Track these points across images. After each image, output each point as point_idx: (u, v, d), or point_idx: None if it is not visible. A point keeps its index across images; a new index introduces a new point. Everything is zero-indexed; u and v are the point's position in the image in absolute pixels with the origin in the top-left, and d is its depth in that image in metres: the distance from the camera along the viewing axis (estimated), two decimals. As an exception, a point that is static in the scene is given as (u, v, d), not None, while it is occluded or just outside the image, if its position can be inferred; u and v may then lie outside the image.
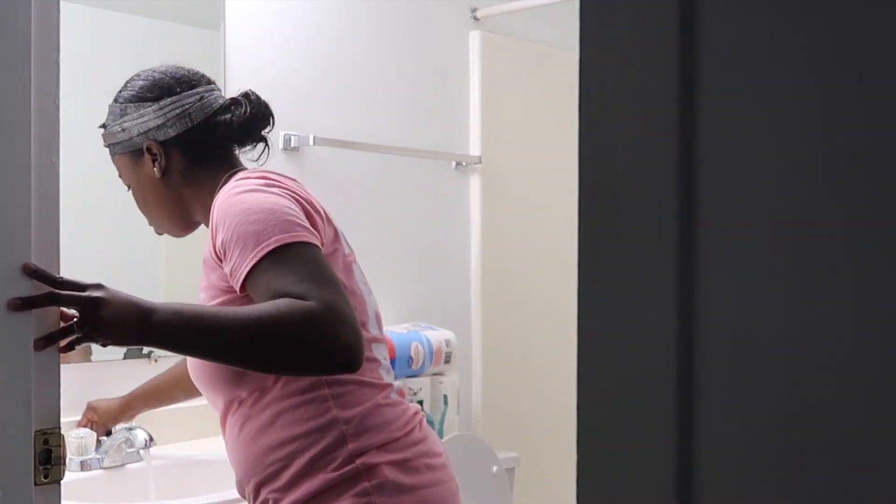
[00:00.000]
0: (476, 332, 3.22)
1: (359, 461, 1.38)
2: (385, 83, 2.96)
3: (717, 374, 0.51)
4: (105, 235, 2.39)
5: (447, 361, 2.83)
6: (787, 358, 0.49)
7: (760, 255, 0.50)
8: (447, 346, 2.83)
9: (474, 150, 3.23)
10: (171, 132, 1.53)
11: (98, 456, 2.11)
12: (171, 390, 1.92)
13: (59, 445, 1.15)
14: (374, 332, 1.49)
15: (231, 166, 1.55)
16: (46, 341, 1.16)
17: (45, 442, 1.13)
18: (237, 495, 1.91)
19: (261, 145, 1.60)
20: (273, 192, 1.39)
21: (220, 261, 1.39)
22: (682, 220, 0.52)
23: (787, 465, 0.49)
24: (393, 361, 2.41)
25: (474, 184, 3.23)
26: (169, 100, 1.55)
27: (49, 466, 1.13)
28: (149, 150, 1.53)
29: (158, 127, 1.53)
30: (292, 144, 2.69)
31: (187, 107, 1.54)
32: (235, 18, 2.61)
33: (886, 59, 0.46)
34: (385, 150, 2.90)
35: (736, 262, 0.51)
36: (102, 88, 2.38)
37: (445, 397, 2.85)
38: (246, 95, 1.58)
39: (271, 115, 1.60)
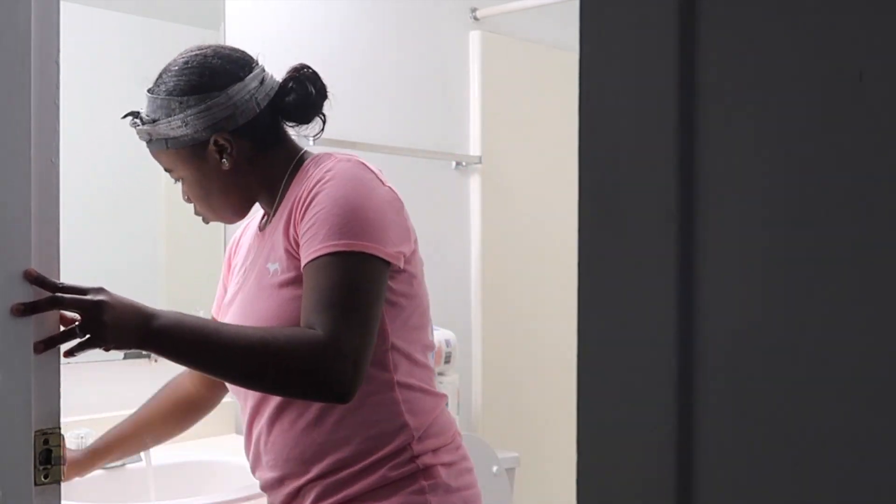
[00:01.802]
0: (476, 332, 3.22)
1: (419, 461, 1.41)
2: (385, 83, 2.96)
3: (717, 374, 0.51)
4: (105, 236, 2.39)
5: (447, 361, 2.83)
6: (786, 358, 0.49)
7: (760, 256, 0.50)
8: (447, 346, 2.83)
9: (474, 150, 3.23)
10: (241, 121, 1.45)
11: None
12: (138, 437, 1.70)
13: (59, 445, 1.15)
14: (431, 338, 1.51)
15: (295, 148, 1.52)
16: (47, 344, 1.16)
17: (45, 442, 1.13)
18: (237, 495, 1.91)
19: (317, 121, 1.54)
20: (373, 186, 1.38)
21: (299, 227, 1.37)
22: (682, 220, 0.52)
23: (787, 465, 0.49)
24: None
25: (474, 184, 3.23)
26: (235, 88, 1.45)
27: (49, 466, 1.13)
28: (216, 143, 1.44)
29: (228, 118, 1.44)
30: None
31: (252, 91, 1.47)
32: (235, 18, 2.61)
33: (886, 59, 0.46)
34: (385, 150, 2.90)
35: (736, 262, 0.51)
36: (102, 88, 2.39)
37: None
38: (297, 70, 1.53)
39: (325, 87, 1.54)
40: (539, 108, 3.37)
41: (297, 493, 1.44)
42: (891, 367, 0.46)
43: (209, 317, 1.64)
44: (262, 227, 1.56)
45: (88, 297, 1.22)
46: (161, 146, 1.47)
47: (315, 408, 1.41)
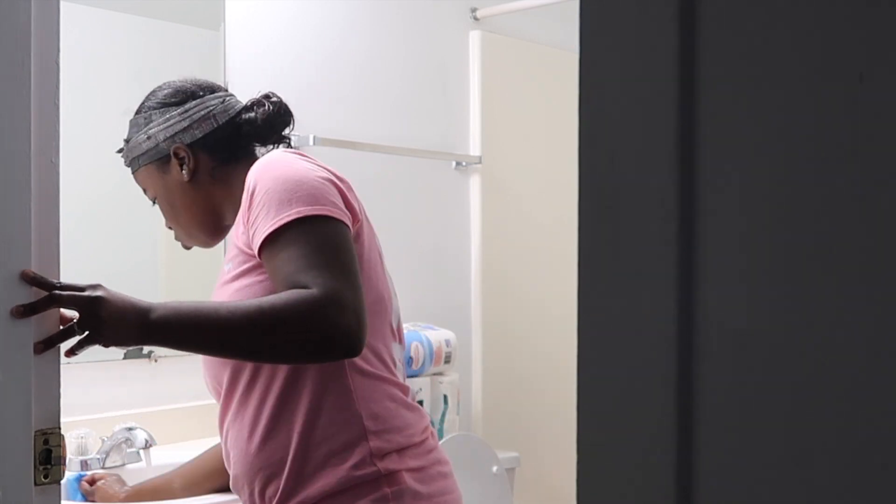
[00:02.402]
0: (476, 332, 3.22)
1: (381, 465, 1.37)
2: (385, 83, 2.96)
3: (717, 374, 0.51)
4: (105, 236, 2.39)
5: (447, 361, 2.83)
6: (787, 358, 0.49)
7: (760, 256, 0.50)
8: (447, 346, 2.83)
9: (474, 150, 3.23)
10: (198, 133, 1.53)
11: (98, 456, 2.11)
12: (171, 490, 1.76)
13: (59, 445, 1.15)
14: (395, 327, 1.50)
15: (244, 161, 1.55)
16: (46, 345, 1.16)
17: (45, 442, 1.13)
18: (237, 496, 1.91)
19: (282, 146, 1.60)
20: (308, 163, 1.41)
21: (247, 224, 1.40)
22: (682, 220, 0.52)
23: (787, 465, 0.49)
24: None
25: (474, 184, 3.23)
26: (193, 103, 1.55)
27: (49, 466, 1.13)
28: (176, 153, 1.53)
29: (185, 129, 1.53)
30: (292, 144, 2.69)
31: (211, 108, 1.55)
32: (235, 18, 2.61)
33: (886, 59, 0.46)
34: (385, 150, 2.90)
35: (736, 262, 0.51)
36: (102, 88, 2.39)
37: (445, 397, 2.85)
38: (266, 97, 1.60)
39: (291, 114, 1.62)
40: (539, 108, 3.37)
41: (262, 492, 1.42)
42: (892, 366, 0.46)
43: None
44: None
45: (85, 293, 1.23)
46: (135, 166, 1.58)
47: (270, 405, 1.40)
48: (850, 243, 0.48)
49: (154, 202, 1.60)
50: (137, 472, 2.04)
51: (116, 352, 2.37)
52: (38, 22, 1.13)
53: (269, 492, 1.41)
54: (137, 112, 1.58)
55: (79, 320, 1.23)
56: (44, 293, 1.17)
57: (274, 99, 1.59)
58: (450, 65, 3.19)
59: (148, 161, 1.56)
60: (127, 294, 1.29)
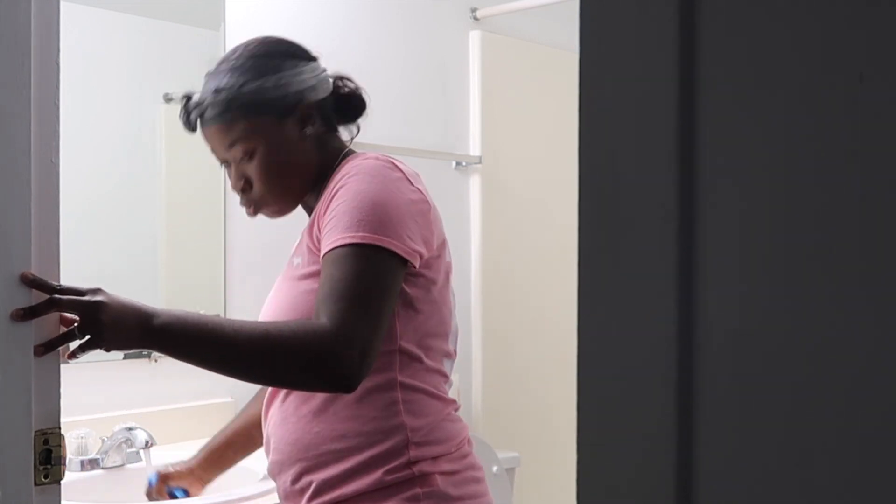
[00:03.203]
0: (476, 332, 3.22)
1: (415, 468, 1.38)
2: (385, 83, 2.96)
3: (717, 374, 0.51)
4: (105, 236, 2.39)
5: (447, 361, 2.83)
6: (787, 358, 0.49)
7: (760, 256, 0.50)
8: (447, 346, 2.83)
9: (474, 150, 3.23)
10: (321, 95, 1.47)
11: (98, 456, 2.11)
12: (247, 435, 1.71)
13: (59, 445, 1.15)
14: (451, 346, 1.49)
15: (343, 143, 1.53)
16: (46, 347, 1.16)
17: (45, 442, 1.13)
18: (237, 495, 1.91)
19: (353, 128, 1.57)
20: (402, 183, 1.38)
21: (322, 224, 1.37)
22: (682, 220, 0.52)
23: (787, 465, 0.49)
24: None
25: (474, 184, 3.23)
26: (315, 63, 1.49)
27: (49, 466, 1.13)
28: (304, 110, 1.45)
29: (313, 88, 1.46)
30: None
31: (324, 75, 1.50)
32: (235, 18, 2.61)
33: (886, 59, 0.46)
34: (385, 150, 2.89)
35: (736, 262, 0.51)
36: (102, 89, 2.39)
37: (445, 397, 2.84)
38: (340, 77, 1.54)
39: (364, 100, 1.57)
40: (539, 108, 3.37)
41: (296, 480, 1.43)
42: (892, 366, 0.46)
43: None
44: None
45: (86, 297, 1.22)
46: (240, 115, 1.44)
47: (319, 398, 1.40)
48: (850, 243, 0.48)
49: (226, 164, 1.49)
50: (138, 472, 2.04)
51: (116, 352, 2.37)
52: (38, 22, 1.13)
53: (304, 482, 1.42)
54: (256, 56, 1.46)
55: (79, 324, 1.22)
56: (44, 296, 1.16)
57: (348, 80, 1.55)
58: (450, 65, 3.19)
59: (269, 111, 1.44)
60: (129, 298, 1.28)
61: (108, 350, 1.26)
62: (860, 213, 0.47)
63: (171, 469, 1.69)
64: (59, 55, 1.16)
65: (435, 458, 1.40)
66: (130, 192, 2.45)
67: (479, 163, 3.21)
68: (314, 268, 1.38)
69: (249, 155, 1.45)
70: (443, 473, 1.40)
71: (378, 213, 1.32)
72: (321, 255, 1.34)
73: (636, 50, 0.54)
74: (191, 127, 1.52)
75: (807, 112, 0.49)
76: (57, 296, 1.17)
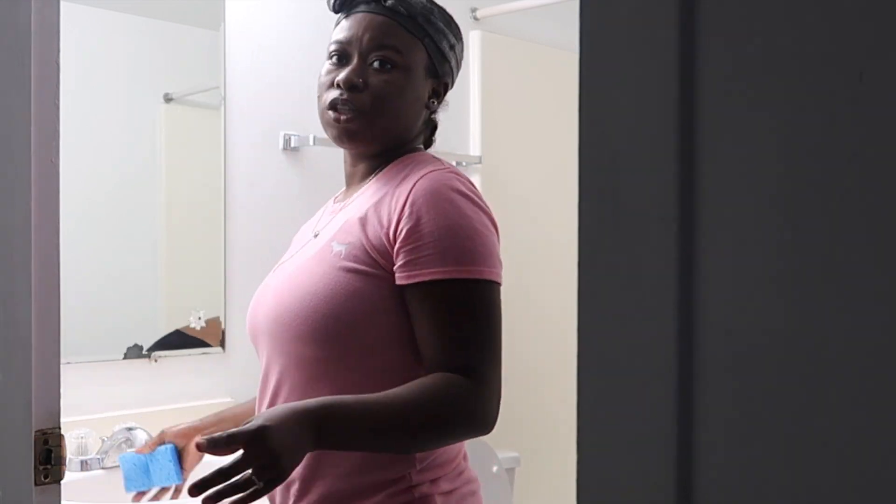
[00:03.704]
0: (476, 332, 3.22)
1: (415, 492, 1.35)
2: (385, 83, 2.96)
3: (717, 374, 0.51)
4: (105, 236, 2.39)
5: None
6: (786, 357, 0.49)
7: (760, 255, 0.50)
8: (447, 346, 2.82)
9: (474, 150, 3.23)
10: (452, 78, 1.48)
11: (98, 456, 2.11)
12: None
13: (59, 445, 1.15)
14: None
15: (419, 141, 1.50)
16: (215, 499, 1.14)
17: (45, 442, 1.13)
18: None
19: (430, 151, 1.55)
20: (487, 211, 1.35)
21: (391, 239, 1.30)
22: (681, 220, 0.52)
23: (787, 465, 0.49)
24: None
25: (474, 184, 3.23)
26: (461, 51, 1.49)
27: (49, 466, 1.13)
28: (445, 86, 1.46)
29: (453, 78, 1.48)
30: (292, 144, 2.69)
31: (459, 68, 1.50)
32: (235, 18, 2.61)
33: (886, 59, 0.46)
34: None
35: (736, 262, 0.51)
36: (102, 88, 2.39)
37: (445, 397, 2.84)
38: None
39: None
40: (539, 108, 3.37)
41: (289, 487, 1.39)
42: (892, 365, 0.46)
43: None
44: (337, 200, 1.50)
45: (256, 450, 1.14)
46: (419, 32, 1.39)
47: None
48: (851, 243, 0.48)
49: (344, 56, 1.40)
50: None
51: (116, 352, 2.37)
52: (38, 22, 1.13)
53: (297, 488, 1.37)
54: (448, 22, 1.45)
55: (255, 473, 1.14)
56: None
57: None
58: (450, 65, 3.19)
59: (434, 56, 1.42)
60: (283, 412, 1.17)
61: (289, 474, 1.19)
62: (861, 213, 0.47)
63: (175, 427, 1.64)
64: (59, 55, 1.16)
65: (434, 480, 1.38)
66: (130, 192, 2.45)
67: (479, 163, 3.21)
68: (362, 266, 1.31)
69: (390, 66, 1.38)
70: (442, 493, 1.38)
71: (479, 241, 1.29)
72: (411, 282, 1.28)
73: (636, 50, 0.54)
74: (341, 4, 1.43)
75: (807, 111, 0.49)
76: (229, 468, 1.12)
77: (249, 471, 1.14)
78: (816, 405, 0.49)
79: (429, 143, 1.53)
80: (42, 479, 1.13)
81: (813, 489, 0.49)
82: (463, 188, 1.32)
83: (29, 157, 1.13)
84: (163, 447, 1.62)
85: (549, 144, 3.35)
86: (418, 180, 1.32)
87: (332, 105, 1.39)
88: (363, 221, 1.34)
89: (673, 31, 0.53)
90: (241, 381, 2.54)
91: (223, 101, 2.58)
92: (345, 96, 1.38)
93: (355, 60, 1.38)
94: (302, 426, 1.17)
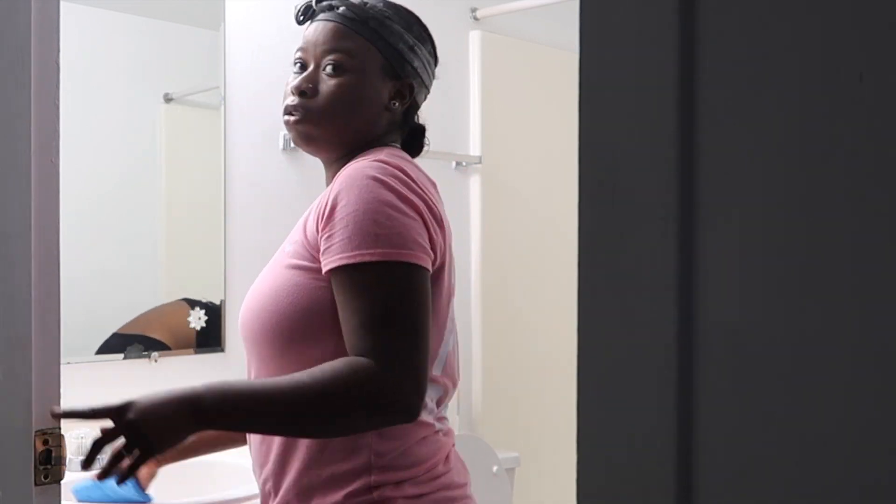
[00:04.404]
0: (476, 332, 3.22)
1: (376, 493, 1.33)
2: (385, 83, 2.96)
3: (717, 374, 0.51)
4: (105, 235, 2.39)
5: (447, 361, 2.83)
6: (787, 357, 0.49)
7: (761, 255, 0.50)
8: (447, 346, 2.82)
9: (474, 150, 3.23)
10: (421, 95, 1.48)
11: (98, 456, 2.11)
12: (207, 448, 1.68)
13: (59, 445, 1.15)
14: (435, 373, 1.41)
15: (392, 142, 1.48)
16: (104, 474, 1.20)
17: (45, 442, 1.13)
18: (237, 495, 1.91)
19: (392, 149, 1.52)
20: (401, 187, 1.32)
21: (318, 231, 1.32)
22: (682, 220, 0.52)
23: (787, 464, 0.49)
24: None
25: (474, 184, 3.23)
26: (434, 70, 1.51)
27: (49, 466, 1.13)
28: (410, 88, 1.45)
29: (422, 80, 1.47)
30: (292, 144, 2.68)
31: (432, 67, 1.50)
32: (235, 18, 2.61)
33: (886, 59, 0.46)
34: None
35: (736, 262, 0.51)
36: (102, 89, 2.39)
37: (445, 397, 2.84)
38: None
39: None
40: (539, 108, 3.37)
41: (265, 485, 1.40)
42: (891, 364, 0.46)
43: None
44: None
45: (120, 420, 1.22)
46: (367, 34, 1.41)
47: None
48: (851, 242, 0.48)
49: (302, 64, 1.44)
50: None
51: (116, 352, 2.37)
52: (38, 22, 1.13)
53: (269, 486, 1.39)
54: (409, 12, 1.47)
55: (126, 445, 1.22)
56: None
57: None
58: (450, 65, 3.18)
59: (389, 57, 1.42)
60: (165, 392, 1.24)
61: (165, 452, 1.25)
62: (861, 212, 0.47)
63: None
64: (59, 55, 1.16)
65: (399, 483, 1.34)
66: (130, 192, 2.45)
67: (479, 163, 3.21)
68: (303, 262, 1.34)
69: (339, 70, 1.40)
70: (407, 497, 1.34)
71: (392, 223, 1.28)
72: (330, 269, 1.29)
73: (636, 50, 0.54)
74: (303, 15, 1.48)
75: (806, 112, 0.49)
76: (100, 435, 1.21)
77: (122, 442, 1.22)
78: (817, 405, 0.49)
79: (413, 145, 1.53)
80: (42, 479, 1.13)
81: (813, 489, 0.49)
82: (379, 174, 1.31)
83: (29, 157, 1.13)
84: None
85: (549, 144, 3.35)
86: (343, 170, 1.35)
87: (287, 110, 1.45)
88: (305, 219, 1.38)
89: (673, 31, 0.53)
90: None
91: (223, 101, 2.58)
92: (295, 102, 1.43)
93: (311, 67, 1.43)
94: (175, 403, 1.22)
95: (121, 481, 1.24)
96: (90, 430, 2.15)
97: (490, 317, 3.24)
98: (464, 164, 3.20)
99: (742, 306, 0.51)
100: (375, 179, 1.31)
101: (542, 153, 3.37)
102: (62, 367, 1.18)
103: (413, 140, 1.54)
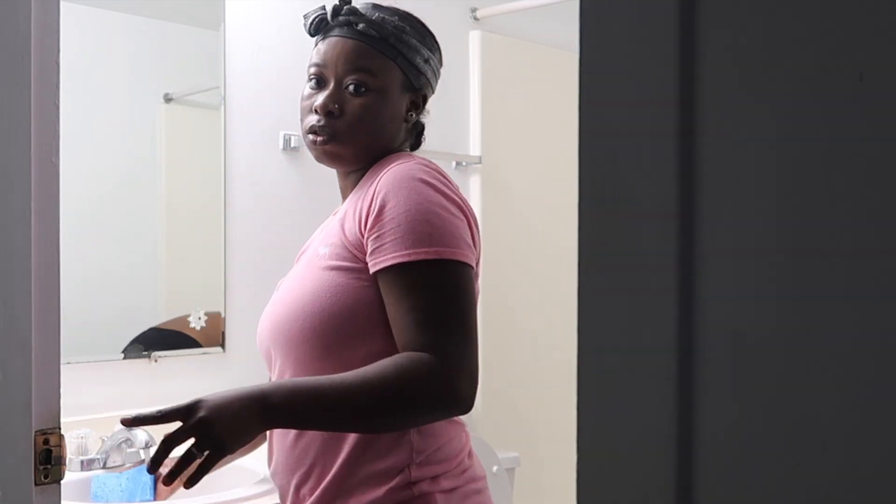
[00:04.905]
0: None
1: (415, 489, 1.35)
2: (385, 83, 2.96)
3: (717, 373, 0.51)
4: (105, 236, 2.39)
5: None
6: (786, 357, 0.49)
7: (760, 255, 0.50)
8: (447, 346, 2.82)
9: (474, 150, 3.23)
10: (430, 95, 1.51)
11: (98, 456, 2.11)
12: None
13: (59, 445, 1.15)
14: None
15: (404, 146, 1.52)
16: (170, 477, 1.21)
17: (45, 442, 1.13)
18: (237, 496, 1.91)
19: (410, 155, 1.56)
20: (445, 188, 1.36)
21: (363, 232, 1.34)
22: (682, 220, 0.52)
23: (787, 464, 0.49)
24: None
25: (474, 184, 3.23)
26: (440, 71, 1.53)
27: (49, 466, 1.13)
28: (424, 99, 1.49)
29: (432, 85, 1.51)
30: (292, 144, 2.69)
31: (439, 74, 1.54)
32: (235, 18, 2.61)
33: (886, 59, 0.46)
34: (385, 150, 2.90)
35: (736, 262, 0.51)
36: (102, 89, 2.39)
37: (445, 397, 2.84)
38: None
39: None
40: (539, 108, 3.37)
41: (298, 489, 1.41)
42: (891, 364, 0.46)
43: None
44: (334, 214, 1.55)
45: (191, 421, 1.22)
46: (390, 52, 1.44)
47: None
48: (851, 242, 0.48)
49: (321, 80, 1.45)
50: (138, 472, 2.03)
51: (116, 352, 2.37)
52: (38, 22, 1.13)
53: (303, 490, 1.41)
54: (421, 34, 1.48)
55: (196, 444, 1.23)
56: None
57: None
58: (450, 65, 3.18)
59: (409, 72, 1.45)
60: (232, 391, 1.25)
61: (234, 451, 1.25)
62: (861, 212, 0.47)
63: None
64: (59, 55, 1.16)
65: (435, 478, 1.38)
66: (130, 192, 2.45)
67: (479, 163, 3.21)
68: (345, 263, 1.35)
69: (363, 89, 1.42)
70: (443, 492, 1.38)
71: (443, 223, 1.31)
72: (381, 268, 1.31)
73: (636, 50, 0.54)
74: (316, 28, 1.48)
75: (807, 112, 0.49)
76: (168, 435, 1.21)
77: (192, 442, 1.23)
78: (817, 405, 0.49)
79: (416, 145, 1.57)
80: (42, 479, 1.13)
81: (813, 490, 0.49)
82: (426, 177, 1.35)
83: (29, 157, 1.13)
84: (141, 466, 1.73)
85: (549, 144, 3.35)
86: (385, 174, 1.36)
87: (312, 130, 1.45)
88: (342, 222, 1.40)
89: (673, 30, 0.53)
90: (241, 382, 2.54)
91: (223, 101, 2.58)
92: (322, 122, 1.43)
93: (331, 85, 1.44)
94: (244, 400, 1.23)
95: (189, 485, 1.24)
96: (90, 430, 2.15)
97: (490, 317, 3.24)
98: (464, 164, 3.20)
99: (742, 306, 0.51)
100: (423, 181, 1.34)
101: (542, 153, 3.37)
102: (62, 367, 1.18)
103: (415, 138, 1.58)
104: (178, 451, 1.28)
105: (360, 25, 1.43)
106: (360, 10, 1.45)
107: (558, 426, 3.29)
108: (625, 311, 0.55)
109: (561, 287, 3.31)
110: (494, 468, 2.85)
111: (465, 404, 1.28)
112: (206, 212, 2.56)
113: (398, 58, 1.44)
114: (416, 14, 1.53)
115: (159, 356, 2.42)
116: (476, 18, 3.23)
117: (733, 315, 0.51)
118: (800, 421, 0.49)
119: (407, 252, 1.29)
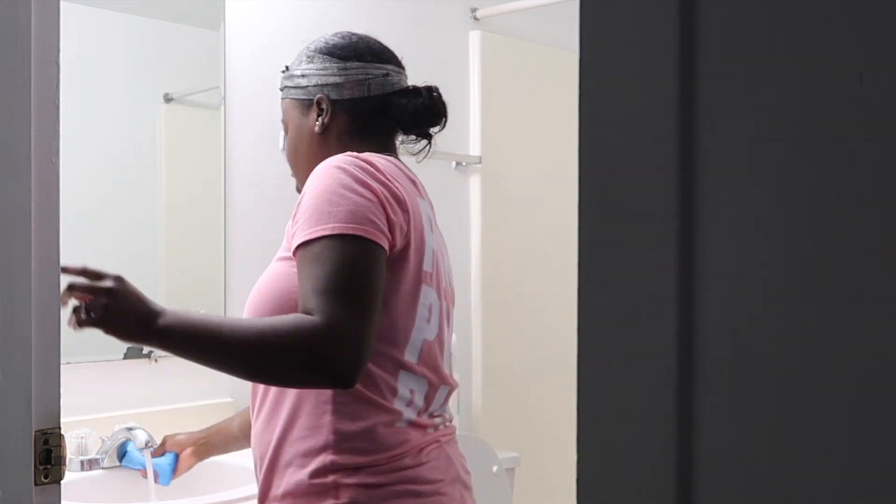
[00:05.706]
0: (476, 332, 3.22)
1: (333, 477, 1.36)
2: (385, 83, 2.96)
3: (717, 374, 0.51)
4: (105, 236, 2.39)
5: (447, 361, 2.83)
6: (786, 357, 0.49)
7: (760, 255, 0.50)
8: (447, 346, 2.82)
9: (474, 150, 3.23)
10: (346, 94, 1.56)
11: (98, 456, 2.11)
12: (238, 441, 1.84)
13: (59, 445, 1.15)
14: (408, 357, 1.43)
15: (384, 149, 1.57)
16: (74, 311, 1.29)
17: (45, 442, 1.13)
18: (237, 496, 1.91)
19: (423, 141, 1.64)
20: (362, 174, 1.40)
21: (293, 218, 1.43)
22: (682, 220, 0.52)
23: (787, 465, 0.49)
24: None
25: (474, 184, 3.23)
26: (356, 63, 1.57)
27: (49, 466, 1.13)
28: (318, 103, 1.56)
29: (336, 85, 1.56)
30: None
31: (370, 76, 1.57)
32: (235, 18, 2.61)
33: (886, 59, 0.46)
34: (385, 150, 2.90)
35: (736, 261, 0.51)
36: (102, 89, 2.39)
37: (445, 397, 2.84)
38: (428, 88, 1.63)
39: (445, 115, 1.64)
40: (539, 108, 3.37)
41: (256, 465, 1.49)
42: (891, 364, 0.46)
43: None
44: None
45: (102, 283, 1.30)
46: (284, 94, 1.62)
47: (271, 396, 1.46)
48: (851, 242, 0.48)
49: (285, 134, 1.64)
50: (138, 472, 2.04)
51: (116, 351, 2.37)
52: (38, 22, 1.13)
53: (258, 471, 1.48)
54: (307, 47, 1.61)
55: (89, 303, 1.29)
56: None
57: (434, 93, 1.63)
58: (450, 65, 3.19)
59: (294, 96, 1.60)
60: (145, 296, 1.33)
61: (107, 333, 1.30)
62: (861, 212, 0.47)
63: (176, 436, 1.88)
64: (59, 55, 1.16)
65: (356, 469, 1.36)
66: (130, 192, 2.45)
67: (479, 163, 3.21)
68: (284, 254, 1.45)
69: (285, 133, 1.64)
70: (363, 486, 1.36)
71: (345, 203, 1.35)
72: (294, 250, 1.37)
73: (636, 49, 0.54)
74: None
75: (806, 112, 0.49)
76: (72, 282, 1.28)
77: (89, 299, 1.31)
78: (817, 405, 0.49)
79: (371, 124, 1.59)
80: (42, 479, 1.13)
81: (813, 490, 0.49)
82: (340, 164, 1.41)
83: (29, 157, 1.13)
84: (168, 454, 1.89)
85: (549, 144, 3.35)
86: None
87: None
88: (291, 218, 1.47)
89: (673, 31, 0.53)
90: (241, 381, 2.54)
91: (223, 101, 2.58)
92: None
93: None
94: (146, 305, 1.31)
95: (72, 325, 1.32)
96: (90, 430, 2.15)
97: (490, 317, 3.24)
98: (464, 164, 3.20)
99: (742, 306, 0.51)
100: (336, 167, 1.40)
101: (542, 153, 3.37)
102: (62, 367, 1.18)
103: (361, 121, 1.59)
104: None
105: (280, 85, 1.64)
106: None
107: (558, 426, 3.29)
108: (625, 311, 0.55)
109: (561, 287, 3.31)
110: (494, 468, 2.85)
111: (343, 376, 1.28)
112: (206, 212, 2.56)
113: (288, 91, 1.62)
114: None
115: (159, 356, 2.42)
116: (476, 18, 3.23)
117: (733, 315, 0.51)
118: (800, 421, 0.49)
119: (309, 230, 1.35)
